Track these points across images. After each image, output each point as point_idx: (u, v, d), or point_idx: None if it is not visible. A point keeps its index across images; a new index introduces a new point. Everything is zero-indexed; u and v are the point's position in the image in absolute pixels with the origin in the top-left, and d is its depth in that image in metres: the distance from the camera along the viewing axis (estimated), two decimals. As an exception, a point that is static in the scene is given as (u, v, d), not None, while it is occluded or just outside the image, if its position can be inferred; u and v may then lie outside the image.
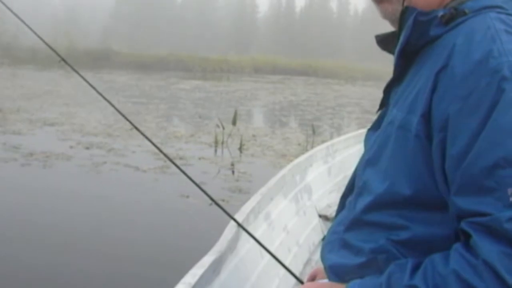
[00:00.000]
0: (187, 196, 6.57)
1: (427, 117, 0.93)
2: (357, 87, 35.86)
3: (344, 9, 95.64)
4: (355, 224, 1.09)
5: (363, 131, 5.80)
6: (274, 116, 17.10)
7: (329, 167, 4.54)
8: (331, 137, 10.68)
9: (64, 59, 4.25)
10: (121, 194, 7.06)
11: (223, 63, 47.47)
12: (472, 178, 0.87)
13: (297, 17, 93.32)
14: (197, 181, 3.47)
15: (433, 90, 0.93)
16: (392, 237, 1.01)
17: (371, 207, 1.03)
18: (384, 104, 1.14)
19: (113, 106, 4.55)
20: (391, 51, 1.13)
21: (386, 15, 1.10)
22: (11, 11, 4.24)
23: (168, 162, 8.45)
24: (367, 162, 1.07)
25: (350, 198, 1.16)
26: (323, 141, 8.99)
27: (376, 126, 1.13)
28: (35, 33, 4.27)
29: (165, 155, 4.30)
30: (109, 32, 73.78)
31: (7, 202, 6.31)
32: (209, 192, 3.84)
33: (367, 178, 1.06)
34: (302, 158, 4.09)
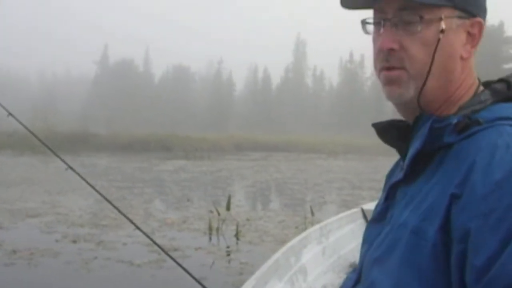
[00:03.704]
0: (190, 295, 6.02)
1: (444, 228, 0.92)
2: (339, 161, 35.80)
3: (319, 84, 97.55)
4: None
5: (356, 210, 5.56)
6: (264, 196, 16.67)
7: (323, 248, 4.51)
8: (323, 216, 10.26)
9: (50, 147, 3.91)
10: (116, 296, 6.47)
11: (203, 141, 47.43)
12: None
13: (273, 93, 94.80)
14: (197, 276, 3.12)
15: (452, 202, 0.92)
16: None
17: None
18: (389, 198, 1.11)
19: (111, 203, 4.16)
20: (394, 145, 1.14)
21: (390, 98, 1.08)
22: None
23: (163, 255, 7.91)
24: (374, 261, 1.04)
25: None
26: (318, 222, 8.56)
27: (378, 219, 1.11)
28: (20, 122, 3.94)
29: (165, 252, 3.87)
30: (87, 114, 73.82)
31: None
32: (213, 289, 3.42)
33: (375, 278, 1.02)
34: (295, 240, 4.07)
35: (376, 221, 1.13)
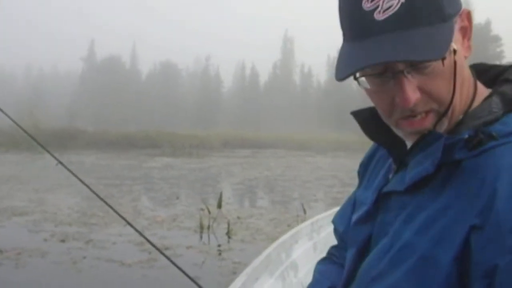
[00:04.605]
0: (184, 296, 5.88)
1: (461, 259, 0.85)
2: (329, 158, 35.74)
3: (307, 81, 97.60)
4: None
5: None
6: (254, 194, 16.54)
7: (314, 243, 4.48)
8: (315, 214, 10.14)
9: (40, 143, 3.80)
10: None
11: (192, 138, 47.22)
12: None
13: (261, 90, 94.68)
14: (191, 276, 2.98)
15: (471, 233, 0.84)
16: None
17: None
18: (379, 201, 1.04)
19: (102, 200, 4.02)
20: (381, 141, 1.07)
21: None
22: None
23: (154, 254, 7.76)
24: (374, 279, 0.97)
25: None
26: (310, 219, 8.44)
27: (365, 220, 1.06)
28: (10, 118, 3.80)
29: (160, 251, 3.73)
30: (74, 110, 73.24)
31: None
32: (207, 289, 3.31)
33: None
34: (287, 235, 4.06)
35: (363, 222, 1.07)
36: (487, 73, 1.04)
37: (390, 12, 0.86)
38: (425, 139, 0.94)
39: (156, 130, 48.97)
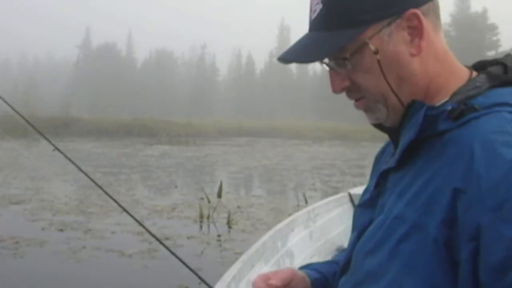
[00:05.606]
0: (187, 288, 5.80)
1: (448, 224, 0.86)
2: (325, 147, 35.65)
3: (303, 70, 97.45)
4: None
5: (343, 194, 5.50)
6: (253, 183, 16.45)
7: (310, 232, 4.46)
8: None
9: (38, 129, 3.69)
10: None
11: (188, 127, 47.10)
12: None
13: (257, 78, 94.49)
14: (192, 267, 3.04)
15: (456, 198, 0.86)
16: None
17: None
18: (379, 184, 1.06)
19: (101, 188, 3.91)
20: (383, 129, 1.09)
21: (371, 122, 1.08)
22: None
23: (154, 244, 7.63)
24: (367, 253, 0.98)
25: (342, 280, 1.08)
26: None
27: (368, 205, 1.08)
28: (9, 104, 3.70)
29: (165, 246, 3.64)
30: (69, 98, 72.89)
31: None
32: (209, 281, 3.20)
33: (368, 270, 0.97)
34: (283, 223, 4.04)
35: (366, 207, 1.10)
36: (486, 68, 1.05)
37: (314, 15, 1.01)
38: (409, 111, 0.97)
39: (152, 119, 48.80)
